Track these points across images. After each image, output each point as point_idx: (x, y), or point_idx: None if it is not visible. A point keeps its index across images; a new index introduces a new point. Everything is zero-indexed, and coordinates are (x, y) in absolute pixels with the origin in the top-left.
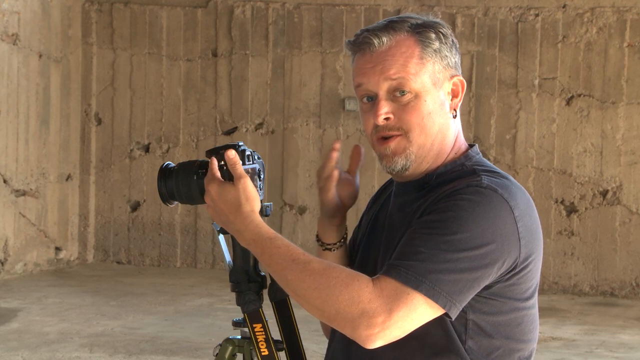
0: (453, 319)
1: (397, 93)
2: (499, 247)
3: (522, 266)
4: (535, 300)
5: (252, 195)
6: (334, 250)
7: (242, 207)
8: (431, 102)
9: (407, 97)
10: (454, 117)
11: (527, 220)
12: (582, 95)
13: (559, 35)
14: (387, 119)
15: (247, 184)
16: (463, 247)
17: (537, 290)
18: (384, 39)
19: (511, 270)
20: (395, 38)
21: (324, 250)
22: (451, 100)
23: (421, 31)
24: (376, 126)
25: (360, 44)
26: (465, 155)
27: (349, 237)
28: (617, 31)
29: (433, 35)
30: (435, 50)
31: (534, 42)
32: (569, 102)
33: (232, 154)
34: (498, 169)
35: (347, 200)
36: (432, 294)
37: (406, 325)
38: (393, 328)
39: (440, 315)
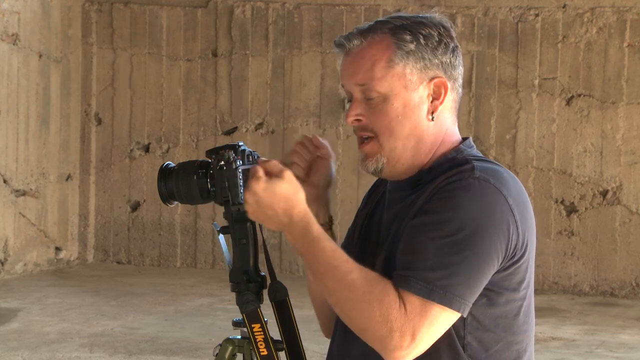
0: (465, 316)
1: (366, 96)
2: (500, 238)
3: (520, 254)
4: (530, 291)
5: (299, 187)
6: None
7: (293, 199)
8: (400, 105)
9: (376, 100)
10: (432, 120)
11: (521, 208)
12: (582, 95)
13: (559, 35)
14: (358, 120)
15: (292, 175)
16: (466, 246)
17: (531, 281)
18: (355, 42)
19: (510, 259)
20: (368, 40)
21: None
22: (432, 102)
23: (397, 32)
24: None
25: (337, 46)
26: (457, 149)
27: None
28: (617, 31)
29: (408, 37)
30: (408, 53)
31: (534, 42)
32: (569, 102)
33: (263, 159)
34: (487, 158)
35: (317, 180)
36: (445, 301)
37: (430, 340)
38: (419, 347)
39: None
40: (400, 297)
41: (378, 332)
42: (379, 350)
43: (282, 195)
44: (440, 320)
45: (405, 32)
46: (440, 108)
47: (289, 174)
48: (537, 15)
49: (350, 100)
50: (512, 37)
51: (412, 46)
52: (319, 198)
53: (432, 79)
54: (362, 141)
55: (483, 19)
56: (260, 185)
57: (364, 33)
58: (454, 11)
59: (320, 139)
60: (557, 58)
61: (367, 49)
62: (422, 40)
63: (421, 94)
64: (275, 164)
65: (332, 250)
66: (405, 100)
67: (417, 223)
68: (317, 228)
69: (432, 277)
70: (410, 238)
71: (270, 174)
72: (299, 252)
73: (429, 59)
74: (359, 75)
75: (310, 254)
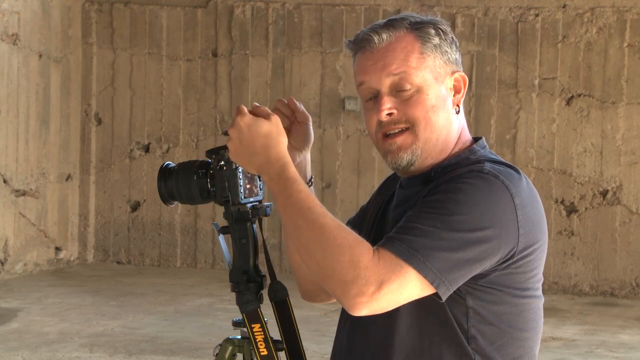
0: (443, 299)
1: (399, 88)
2: (496, 233)
3: (520, 256)
4: (538, 292)
5: (284, 132)
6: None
7: (274, 139)
8: (434, 96)
9: (410, 91)
10: (457, 112)
11: (528, 210)
12: (582, 95)
13: (559, 35)
14: (390, 114)
15: (279, 121)
16: (459, 228)
17: (540, 282)
18: (384, 36)
19: (508, 259)
20: (394, 34)
21: None
22: (453, 96)
23: (420, 27)
24: (380, 123)
25: (360, 42)
26: (470, 149)
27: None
28: (617, 31)
29: (432, 31)
30: (435, 46)
31: (534, 42)
32: (569, 102)
33: (256, 104)
34: (504, 160)
35: (296, 143)
36: (422, 269)
37: (395, 299)
38: (381, 300)
39: (432, 298)
40: (377, 251)
41: (343, 275)
42: (341, 295)
43: (263, 133)
44: (411, 285)
45: (429, 27)
46: (461, 101)
47: (276, 118)
48: (537, 15)
49: (374, 97)
50: (512, 37)
51: (437, 39)
52: (300, 161)
53: (453, 72)
54: (389, 135)
55: (483, 19)
56: (245, 120)
57: (388, 27)
58: (454, 11)
59: (296, 102)
60: (557, 58)
61: (396, 42)
62: (442, 35)
63: (447, 86)
64: (264, 109)
65: (307, 194)
66: (437, 91)
67: (420, 202)
68: (294, 171)
69: (417, 244)
70: (411, 212)
71: (258, 115)
72: (273, 194)
73: (450, 53)
74: (393, 65)
75: (285, 193)
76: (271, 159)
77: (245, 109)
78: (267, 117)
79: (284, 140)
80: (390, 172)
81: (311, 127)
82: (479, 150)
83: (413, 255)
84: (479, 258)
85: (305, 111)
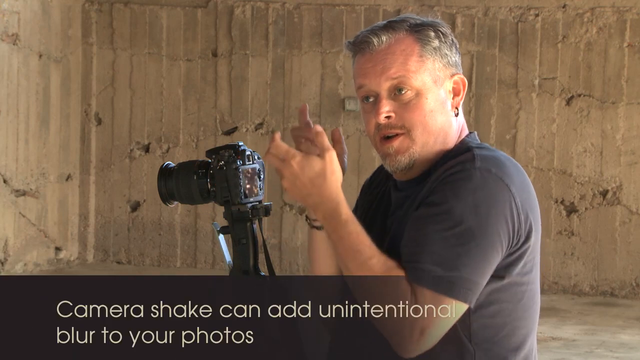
0: (472, 307)
1: (398, 91)
2: (504, 227)
3: (523, 239)
4: (534, 276)
5: (338, 168)
6: (321, 228)
7: (327, 178)
8: (432, 100)
9: (408, 95)
10: (456, 115)
11: (524, 195)
12: (582, 95)
13: (559, 35)
14: (388, 117)
15: (334, 156)
16: (470, 237)
17: (536, 265)
18: (384, 38)
19: (514, 245)
20: (394, 37)
21: (311, 228)
22: (452, 98)
23: (420, 30)
24: (378, 125)
25: (360, 44)
26: (461, 141)
27: None
28: (617, 31)
29: (432, 34)
30: (434, 49)
31: (534, 42)
32: (569, 102)
33: (319, 127)
34: (488, 145)
35: None
36: (454, 293)
37: (440, 332)
38: (427, 340)
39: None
40: (412, 289)
41: (390, 321)
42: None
43: (315, 172)
44: (450, 310)
45: (429, 29)
46: (460, 103)
47: (330, 155)
48: (537, 15)
49: (373, 100)
50: (512, 37)
51: (436, 42)
52: None
53: (452, 75)
54: (386, 138)
55: (483, 19)
56: (296, 160)
57: (387, 29)
58: (454, 11)
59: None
60: (557, 58)
61: (395, 45)
62: (442, 38)
63: (446, 89)
64: (323, 142)
65: (357, 234)
66: (436, 95)
67: (420, 214)
68: (345, 211)
69: (439, 270)
70: (415, 229)
71: (314, 151)
72: (326, 232)
73: (449, 56)
74: (392, 69)
75: (336, 234)
76: (324, 199)
77: (294, 152)
78: (321, 153)
79: (337, 177)
80: (369, 173)
81: (346, 160)
82: (469, 142)
83: (440, 284)
84: (496, 256)
85: (344, 143)
